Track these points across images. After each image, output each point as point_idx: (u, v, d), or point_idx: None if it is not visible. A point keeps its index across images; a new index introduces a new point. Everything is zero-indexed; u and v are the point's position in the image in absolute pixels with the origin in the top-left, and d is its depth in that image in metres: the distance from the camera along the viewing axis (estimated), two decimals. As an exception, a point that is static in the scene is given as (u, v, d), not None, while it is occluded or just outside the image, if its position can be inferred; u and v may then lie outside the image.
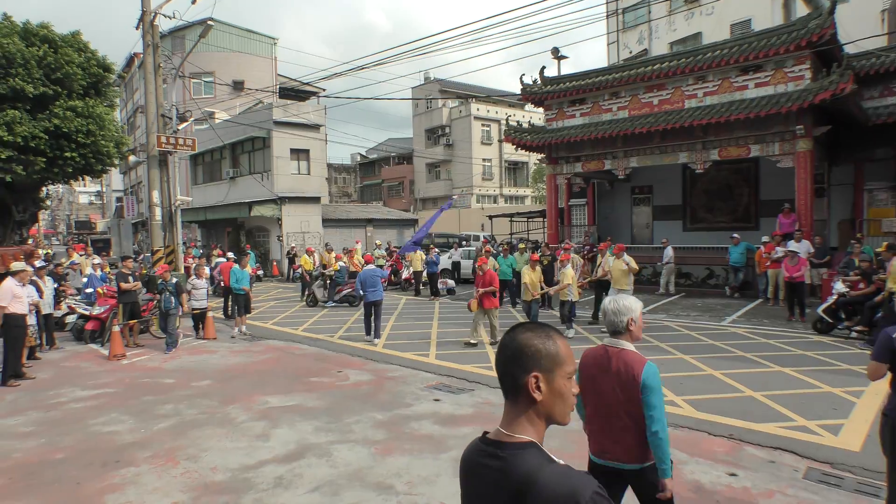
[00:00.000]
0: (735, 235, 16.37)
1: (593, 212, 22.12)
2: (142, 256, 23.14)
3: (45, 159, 13.53)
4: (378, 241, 24.51)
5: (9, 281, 9.12)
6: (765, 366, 8.69)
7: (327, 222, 29.63)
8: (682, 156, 16.97)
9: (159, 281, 11.18)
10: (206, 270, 15.15)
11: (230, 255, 16.42)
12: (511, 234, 30.87)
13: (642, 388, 3.10)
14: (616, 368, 3.19)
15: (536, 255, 11.50)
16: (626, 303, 3.34)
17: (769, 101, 14.91)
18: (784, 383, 7.72)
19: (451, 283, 19.44)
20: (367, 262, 13.38)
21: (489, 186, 52.19)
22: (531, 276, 11.06)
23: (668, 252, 17.48)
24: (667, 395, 7.48)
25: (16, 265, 9.48)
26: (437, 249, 19.59)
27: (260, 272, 25.58)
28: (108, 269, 17.32)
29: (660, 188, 20.77)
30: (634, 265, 11.11)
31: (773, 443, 5.78)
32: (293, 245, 24.87)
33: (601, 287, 12.22)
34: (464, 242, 26.92)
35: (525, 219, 31.42)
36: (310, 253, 19.82)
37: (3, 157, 12.52)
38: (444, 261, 21.03)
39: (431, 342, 11.35)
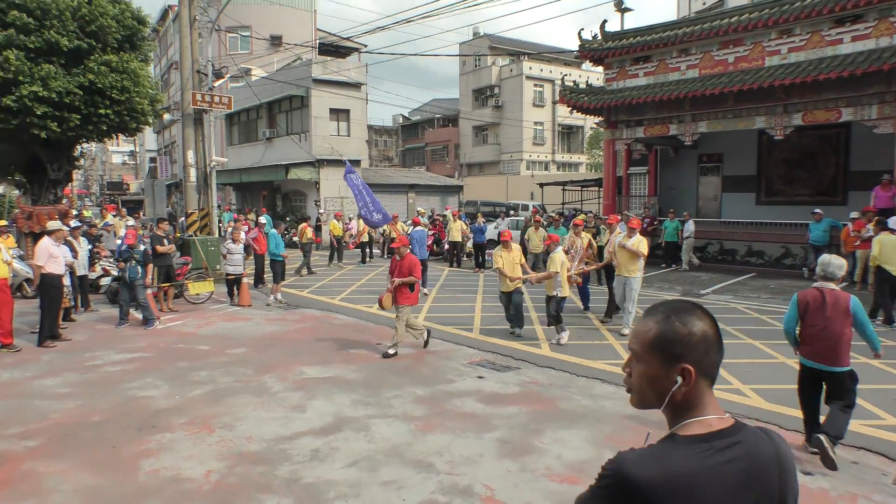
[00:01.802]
0: (817, 210, 15.62)
1: (655, 181, 21.56)
2: (180, 220, 23.89)
3: (79, 116, 13.93)
4: (420, 209, 24.51)
5: (45, 240, 9.52)
6: (846, 355, 8.34)
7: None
8: (758, 120, 16.25)
9: (124, 247, 10.82)
10: (242, 234, 15.53)
11: (262, 219, 16.67)
12: (563, 203, 30.45)
13: (853, 311, 5.08)
14: (831, 301, 5.10)
15: (508, 234, 9.84)
16: (839, 262, 5.16)
17: (868, 56, 14.01)
18: (871, 376, 7.40)
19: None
20: (415, 225, 14.72)
21: (540, 152, 51.43)
22: (505, 260, 9.52)
23: (690, 226, 17.60)
24: (732, 383, 7.29)
25: (52, 224, 9.89)
26: (483, 218, 19.47)
27: (296, 238, 26.03)
28: (141, 232, 17.97)
29: (731, 156, 20.02)
30: (643, 249, 9.62)
31: (856, 441, 5.55)
32: (321, 211, 25.11)
33: (610, 274, 10.99)
34: (511, 212, 26.70)
35: (579, 187, 30.91)
36: (338, 218, 19.97)
37: (38, 112, 12.94)
38: (491, 231, 20.92)
39: (475, 316, 11.37)
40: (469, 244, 19.95)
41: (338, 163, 27.80)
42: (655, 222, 18.94)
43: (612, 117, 19.36)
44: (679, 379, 1.46)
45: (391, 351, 8.54)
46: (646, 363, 1.49)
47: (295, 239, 25.17)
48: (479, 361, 8.31)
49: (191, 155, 16.63)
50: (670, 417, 1.49)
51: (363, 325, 10.72)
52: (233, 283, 12.98)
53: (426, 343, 8.92)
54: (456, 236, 19.26)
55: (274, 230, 13.44)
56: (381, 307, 8.89)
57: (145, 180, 43.96)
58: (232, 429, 5.90)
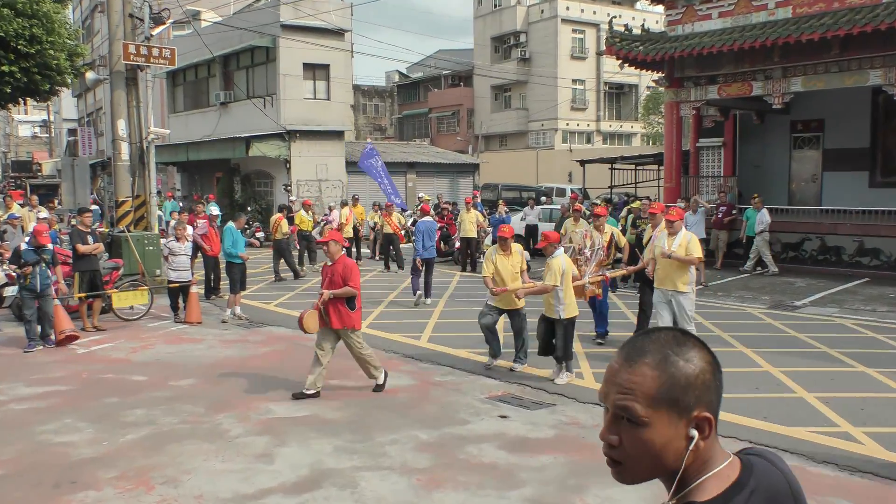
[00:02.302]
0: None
1: (733, 157, 21.48)
2: (108, 211, 24.01)
3: (-25, 75, 14.10)
4: (423, 195, 24.54)
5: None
6: None
7: (352, 166, 29.88)
8: (873, 75, 16.15)
9: (29, 248, 10.79)
10: (189, 230, 15.59)
11: (213, 208, 16.69)
12: (611, 187, 30.42)
13: None
14: None
15: (509, 229, 9.67)
16: None
17: None
18: None
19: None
20: (424, 213, 15.22)
21: (581, 119, 51.48)
22: (500, 266, 9.27)
23: (764, 216, 17.40)
24: (839, 424, 7.25)
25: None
26: (506, 207, 19.49)
27: (260, 234, 26.16)
28: (57, 227, 18.10)
29: (835, 124, 19.90)
30: (696, 251, 9.06)
31: None
32: (293, 199, 25.06)
33: (645, 285, 10.41)
34: (543, 198, 26.67)
35: (632, 166, 30.86)
36: (307, 207, 20.05)
37: (-77, 71, 13.11)
38: (516, 224, 20.90)
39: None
40: (487, 241, 19.92)
41: (315, 135, 27.91)
42: (734, 212, 18.87)
43: (677, 72, 19.27)
44: (695, 433, 1.45)
45: (380, 381, 8.52)
46: (652, 425, 1.46)
47: (259, 235, 25.30)
48: (501, 395, 8.32)
49: (122, 125, 16.75)
50: (679, 481, 1.48)
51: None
52: (177, 293, 13.05)
53: (380, 387, 8.51)
54: (469, 231, 19.25)
55: (231, 224, 13.49)
56: (304, 329, 8.41)
57: (63, 159, 44.31)
58: (177, 485, 5.93)
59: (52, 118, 67.25)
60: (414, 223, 19.12)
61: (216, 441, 6.95)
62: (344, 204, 21.20)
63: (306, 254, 19.89)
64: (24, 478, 6.12)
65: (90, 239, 12.26)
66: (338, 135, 29.03)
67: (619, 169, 31.23)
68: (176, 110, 34.80)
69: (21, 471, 6.27)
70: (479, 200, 25.60)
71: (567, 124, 50.83)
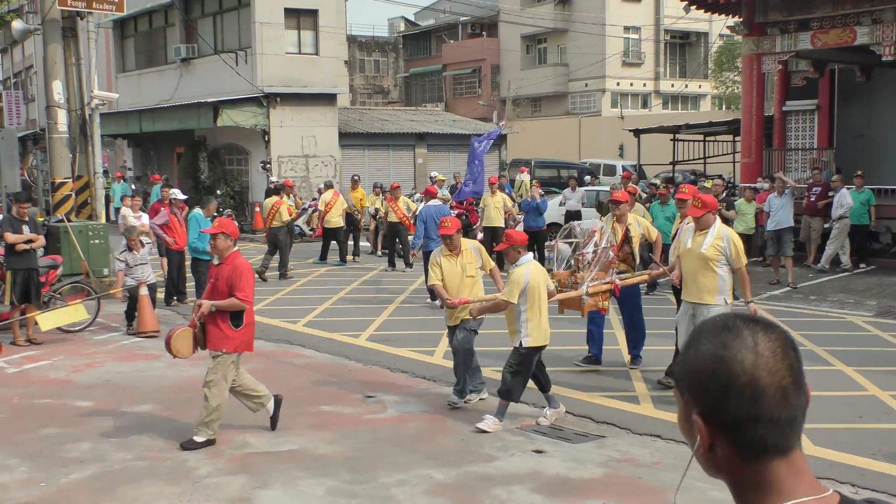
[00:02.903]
0: None
1: (829, 124, 21.36)
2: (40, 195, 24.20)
3: None
4: (436, 174, 24.57)
5: None
6: None
7: (347, 139, 29.99)
8: None
9: None
10: (145, 220, 15.71)
11: (175, 192, 16.74)
12: (673, 163, 30.32)
13: None
14: None
15: (450, 224, 9.21)
16: None
17: None
18: None
19: (563, 248, 19.45)
20: (430, 196, 15.28)
21: (635, 77, 51.35)
22: (447, 270, 9.07)
23: (844, 198, 17.31)
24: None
25: None
26: (541, 189, 19.47)
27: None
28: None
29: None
30: (740, 252, 8.70)
31: None
32: (273, 180, 25.16)
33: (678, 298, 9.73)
34: (588, 178, 26.66)
35: (700, 136, 30.73)
36: (289, 189, 20.18)
37: None
38: (553, 209, 20.90)
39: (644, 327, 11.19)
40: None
41: (300, 98, 27.97)
42: (830, 193, 18.78)
43: (758, 16, 19.17)
44: (697, 438, 1.58)
45: (198, 438, 7.78)
46: (680, 408, 1.68)
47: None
48: (535, 426, 8.32)
49: (58, 88, 16.88)
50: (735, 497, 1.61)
51: (344, 364, 10.79)
52: (136, 299, 13.11)
53: (274, 420, 8.28)
54: (495, 219, 19.25)
55: (198, 211, 13.58)
56: (172, 354, 8.09)
57: (-15, 130, 44.74)
58: (134, 535, 6.00)
59: (-29, 80, 67.73)
60: None
61: (180, 482, 6.99)
62: (328, 186, 21.19)
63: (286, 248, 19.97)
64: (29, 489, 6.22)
65: (26, 229, 12.37)
66: (328, 99, 29.10)
67: (684, 140, 31.06)
68: (126, 69, 35.03)
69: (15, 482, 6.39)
70: (506, 181, 25.59)
71: (618, 84, 50.75)
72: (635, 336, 10.76)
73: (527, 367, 8.29)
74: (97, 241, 16.11)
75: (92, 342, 12.60)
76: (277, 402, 8.33)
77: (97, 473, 7.23)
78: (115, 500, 6.66)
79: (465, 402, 9.05)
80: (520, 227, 19.52)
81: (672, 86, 52.23)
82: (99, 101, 17.49)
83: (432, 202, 15.29)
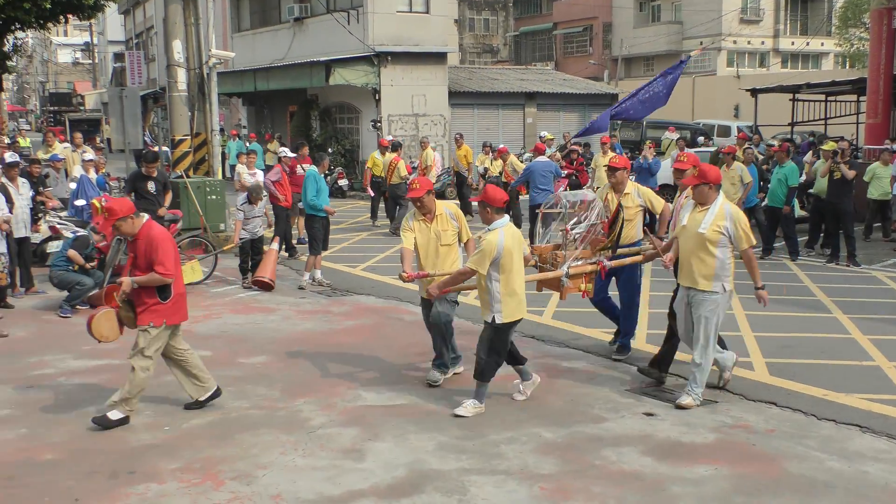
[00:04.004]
0: None
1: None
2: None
3: (11, -11, 14.85)
4: (545, 134, 24.38)
5: (-32, 183, 10.25)
6: None
7: (457, 98, 29.94)
8: None
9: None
10: (260, 176, 16.07)
11: (283, 150, 17.06)
12: (792, 123, 29.42)
13: None
14: None
15: (419, 185, 8.43)
16: None
17: None
18: None
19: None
20: (538, 152, 15.19)
21: (753, 35, 49.79)
22: (421, 234, 8.43)
23: None
24: None
25: (-23, 158, 10.61)
26: (653, 149, 19.15)
27: (343, 181, 26.67)
28: (103, 171, 18.99)
29: None
30: (746, 233, 7.76)
31: None
32: (390, 137, 25.37)
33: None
34: (701, 139, 26.08)
35: (822, 96, 29.74)
36: (383, 148, 20.33)
37: (-48, -16, 13.90)
38: (665, 170, 20.56)
39: (641, 315, 11.11)
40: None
41: (410, 57, 27.99)
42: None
43: (887, -29, 18.36)
44: None
45: (112, 416, 7.37)
46: None
47: (342, 182, 25.79)
48: (646, 388, 8.30)
49: (178, 48, 17.31)
50: None
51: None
52: (248, 252, 13.44)
53: (200, 402, 7.83)
54: (606, 179, 19.07)
55: (313, 168, 13.77)
56: (95, 338, 7.62)
57: (108, 89, 46.30)
58: (250, 481, 6.22)
59: (95, 40, 70.08)
60: None
61: (295, 432, 7.21)
62: (394, 147, 21.13)
63: (385, 206, 20.14)
64: (77, 465, 6.54)
65: (151, 185, 12.77)
66: (438, 57, 29.04)
67: (804, 100, 30.20)
68: (241, 29, 35.61)
69: (73, 456, 6.71)
70: (617, 141, 25.24)
71: (735, 42, 49.24)
72: (628, 324, 9.65)
73: (502, 345, 7.68)
74: (214, 197, 16.58)
75: (209, 294, 13.03)
76: (215, 394, 7.88)
77: (216, 420, 7.53)
78: (233, 446, 6.91)
79: (432, 383, 8.51)
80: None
81: (792, 43, 50.40)
82: (216, 60, 17.87)
83: (539, 158, 15.34)
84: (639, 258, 9.14)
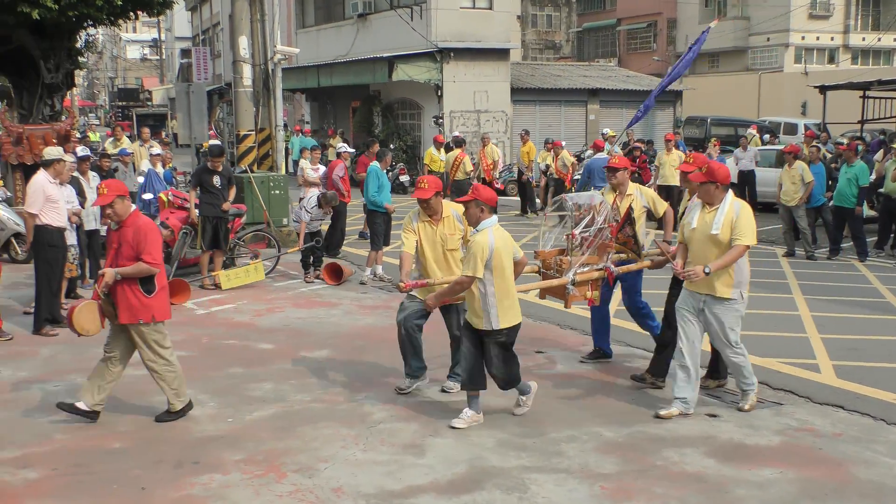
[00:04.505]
0: None
1: None
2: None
3: (83, -17, 15.12)
4: (608, 131, 24.23)
5: (41, 176, 10.45)
6: None
7: (519, 94, 29.88)
8: None
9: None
10: (319, 171, 16.23)
11: (342, 146, 17.24)
12: (862, 121, 28.82)
13: None
14: None
15: (427, 184, 7.79)
16: None
17: None
18: None
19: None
20: (597, 149, 15.52)
21: (822, 30, 48.86)
22: (425, 237, 7.91)
23: None
24: None
25: (50, 152, 10.83)
26: (718, 146, 18.95)
27: (404, 178, 26.76)
28: (171, 165, 19.32)
29: None
30: (747, 235, 7.16)
31: None
32: (455, 134, 25.46)
33: (677, 282, 7.94)
34: (766, 136, 25.69)
35: (894, 93, 29.08)
36: (438, 144, 20.37)
37: (28, -18, 14.20)
38: (730, 168, 20.30)
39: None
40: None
41: (473, 53, 27.98)
42: None
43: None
44: None
45: (174, 409, 7.40)
46: None
47: (403, 178, 25.88)
48: (710, 389, 8.22)
49: (244, 44, 17.53)
50: None
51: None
52: (310, 249, 13.59)
53: (171, 415, 7.43)
54: (670, 177, 18.89)
55: (376, 164, 13.85)
56: (75, 331, 7.27)
57: (175, 84, 47.03)
58: (312, 474, 6.29)
59: (163, 36, 71.35)
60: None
61: (356, 426, 7.27)
62: (458, 143, 21.05)
63: None
64: (144, 454, 6.68)
65: (216, 179, 12.96)
66: (501, 54, 29.03)
67: (875, 98, 29.60)
68: (305, 25, 35.96)
69: (140, 446, 6.86)
70: (680, 139, 25.00)
71: (802, 38, 48.40)
72: (648, 323, 9.11)
73: (512, 352, 7.22)
74: (277, 192, 16.76)
75: (272, 288, 13.19)
76: (86, 414, 7.30)
77: (279, 413, 7.62)
78: (295, 438, 6.99)
79: (400, 391, 8.13)
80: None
81: (863, 39, 49.34)
82: (281, 56, 18.07)
83: (598, 154, 15.28)
84: (647, 264, 8.67)
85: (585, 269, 8.11)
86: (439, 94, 28.08)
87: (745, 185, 21.32)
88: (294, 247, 13.96)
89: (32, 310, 10.63)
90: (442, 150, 21.77)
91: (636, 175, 21.05)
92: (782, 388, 8.25)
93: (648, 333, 9.17)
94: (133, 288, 7.11)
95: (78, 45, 18.33)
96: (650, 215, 9.19)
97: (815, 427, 7.23)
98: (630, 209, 8.50)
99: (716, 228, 7.15)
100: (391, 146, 28.49)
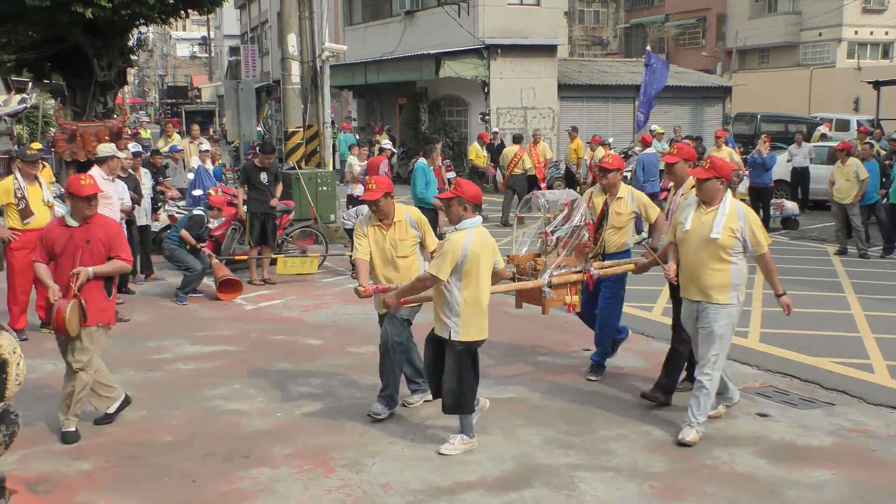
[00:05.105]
0: None
1: None
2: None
3: (135, -18, 15.33)
4: (656, 128, 24.03)
5: (94, 173, 10.61)
6: None
7: (566, 91, 29.74)
8: None
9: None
10: (357, 168, 16.29)
11: (386, 143, 17.31)
12: (917, 117, 28.32)
13: None
14: None
15: (375, 185, 7.14)
16: None
17: None
18: None
19: (789, 206, 18.99)
20: (645, 144, 15.59)
21: (877, 24, 48.09)
22: (376, 241, 7.29)
23: None
24: None
25: (103, 149, 11.03)
26: (768, 144, 18.71)
27: (451, 174, 26.74)
28: (220, 162, 19.52)
29: None
30: (762, 240, 6.73)
31: None
32: (495, 130, 25.43)
33: (675, 290, 7.43)
34: (818, 130, 25.31)
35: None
36: (482, 141, 20.39)
37: (83, -21, 14.42)
38: (780, 165, 20.09)
39: (753, 311, 11.07)
40: (742, 188, 19.30)
41: (519, 50, 27.87)
42: None
43: None
44: None
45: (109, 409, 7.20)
46: None
47: (450, 175, 25.81)
48: (760, 388, 8.15)
49: (292, 41, 17.65)
50: None
51: (559, 316, 10.79)
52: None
53: (110, 414, 7.26)
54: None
55: (423, 161, 13.88)
56: (66, 333, 6.74)
57: (224, 82, 47.56)
58: (360, 469, 6.33)
59: (212, 35, 72.13)
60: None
61: (403, 422, 7.30)
62: (516, 140, 20.91)
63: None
64: (194, 447, 6.78)
65: (264, 176, 13.07)
66: (548, 50, 28.91)
67: (930, 93, 28.96)
68: (353, 22, 36.13)
69: (190, 439, 6.96)
70: (730, 136, 24.77)
71: (856, 33, 47.62)
72: (603, 338, 8.52)
73: (471, 368, 6.59)
74: (325, 189, 16.85)
75: (320, 284, 13.29)
76: (127, 398, 7.39)
77: (326, 408, 7.67)
78: (343, 434, 7.04)
79: (407, 404, 7.66)
80: (742, 186, 19.02)
81: (918, 34, 48.49)
82: (329, 54, 18.16)
83: (648, 150, 15.22)
84: (630, 267, 8.06)
85: (563, 270, 7.60)
86: (486, 90, 28.04)
87: (798, 183, 21.07)
88: (346, 251, 14.03)
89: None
90: (484, 146, 21.99)
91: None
92: (835, 388, 8.14)
93: (595, 346, 8.65)
94: (98, 289, 6.91)
95: (130, 43, 18.61)
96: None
97: (868, 428, 7.13)
98: (606, 205, 8.11)
99: (716, 232, 6.56)
100: (439, 143, 28.56)
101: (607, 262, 8.07)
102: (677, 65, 43.49)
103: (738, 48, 50.32)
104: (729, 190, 6.81)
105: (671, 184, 8.05)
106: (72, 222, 6.89)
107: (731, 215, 6.59)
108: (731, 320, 6.78)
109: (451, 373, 6.54)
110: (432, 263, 6.49)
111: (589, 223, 7.79)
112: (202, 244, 12.27)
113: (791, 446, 6.75)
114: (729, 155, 18.78)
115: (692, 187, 7.15)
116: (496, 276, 6.85)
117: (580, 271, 7.66)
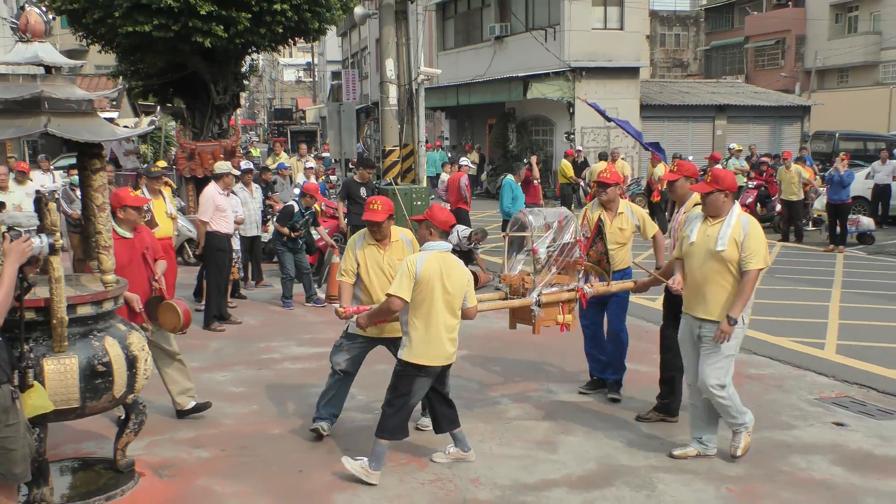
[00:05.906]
0: None
1: None
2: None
3: (249, 15, 15.76)
4: (734, 145, 23.67)
5: (211, 188, 11.11)
6: None
7: (648, 111, 29.54)
8: None
9: (295, 206, 12.14)
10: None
11: (464, 160, 17.51)
12: None
13: None
14: None
15: (379, 206, 6.69)
16: None
17: None
18: None
19: (865, 221, 18.50)
20: (714, 161, 15.68)
21: (956, 45, 46.17)
22: (369, 261, 6.90)
23: None
24: None
25: (220, 166, 11.51)
26: (846, 161, 18.29)
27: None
28: (324, 177, 19.92)
29: None
30: (759, 256, 6.12)
31: None
32: (579, 149, 25.40)
33: (672, 313, 7.21)
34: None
35: None
36: (569, 158, 20.31)
37: (202, 13, 14.89)
38: (860, 182, 19.60)
39: (830, 323, 10.89)
40: (818, 204, 18.89)
41: (603, 72, 27.80)
42: None
43: None
44: None
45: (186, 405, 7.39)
46: None
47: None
48: (836, 398, 8.02)
49: (390, 65, 17.91)
50: None
51: (642, 325, 10.77)
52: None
53: (185, 412, 7.44)
54: (793, 191, 18.41)
55: (510, 177, 13.99)
56: (183, 330, 6.95)
57: (327, 104, 48.48)
58: (451, 465, 6.44)
59: (315, 60, 73.51)
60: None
61: (492, 421, 7.40)
62: (603, 157, 20.85)
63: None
64: (301, 439, 7.01)
65: (363, 191, 13.34)
66: (631, 72, 28.79)
67: None
68: (446, 47, 36.48)
69: (297, 432, 7.18)
70: (808, 153, 24.24)
71: (938, 52, 45.91)
72: (618, 357, 8.13)
73: (405, 392, 6.19)
74: (419, 203, 16.96)
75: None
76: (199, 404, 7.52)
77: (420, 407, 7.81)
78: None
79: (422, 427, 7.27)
80: (818, 202, 18.65)
81: None
82: (424, 77, 18.38)
83: (717, 166, 15.05)
84: (630, 285, 7.69)
85: (553, 288, 7.15)
86: (571, 111, 28.04)
87: (879, 199, 20.52)
88: None
89: (202, 307, 11.22)
90: (573, 161, 22.12)
91: (763, 189, 20.56)
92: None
93: (590, 364, 8.32)
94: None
95: (243, 69, 19.17)
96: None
97: (945, 438, 6.94)
98: (600, 222, 7.69)
99: (720, 245, 6.11)
100: (525, 161, 28.62)
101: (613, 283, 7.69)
102: (756, 85, 42.74)
103: (818, 68, 49.10)
104: (737, 202, 6.38)
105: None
106: (125, 233, 6.93)
107: (738, 227, 6.14)
108: (737, 340, 6.30)
109: (389, 387, 6.35)
110: (392, 284, 6.05)
111: (580, 240, 7.33)
112: (295, 233, 12.33)
113: (868, 455, 6.61)
114: (798, 174, 18.45)
115: (695, 205, 6.81)
116: (463, 314, 6.39)
117: (573, 289, 7.27)
